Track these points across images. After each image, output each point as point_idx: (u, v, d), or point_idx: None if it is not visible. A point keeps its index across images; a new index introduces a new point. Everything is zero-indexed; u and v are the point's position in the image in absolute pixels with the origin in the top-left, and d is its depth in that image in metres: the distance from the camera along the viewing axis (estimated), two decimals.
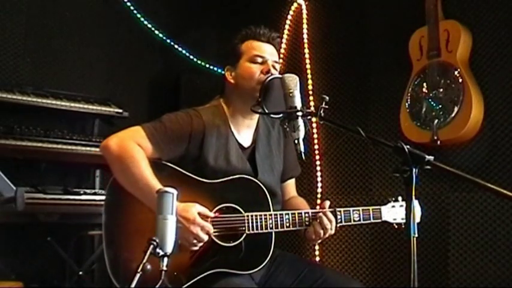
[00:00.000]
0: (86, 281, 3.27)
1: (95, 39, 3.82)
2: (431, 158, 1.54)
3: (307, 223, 2.10)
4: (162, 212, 1.65)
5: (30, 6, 3.53)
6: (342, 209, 2.14)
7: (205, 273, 1.99)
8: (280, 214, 2.08)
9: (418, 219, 1.77)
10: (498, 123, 2.86)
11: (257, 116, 2.24)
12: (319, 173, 3.56)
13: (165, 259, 1.62)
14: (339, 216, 2.13)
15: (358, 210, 2.16)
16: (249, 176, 2.13)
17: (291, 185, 2.43)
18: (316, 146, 3.59)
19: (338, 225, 2.12)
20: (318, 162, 3.58)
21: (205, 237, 1.95)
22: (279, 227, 2.07)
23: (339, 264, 3.47)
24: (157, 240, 1.61)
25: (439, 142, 2.87)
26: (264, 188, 2.11)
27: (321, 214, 2.09)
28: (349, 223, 2.15)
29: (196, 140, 2.11)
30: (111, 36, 3.92)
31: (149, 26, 4.08)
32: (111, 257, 2.01)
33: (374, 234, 3.33)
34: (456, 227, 2.97)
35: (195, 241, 1.94)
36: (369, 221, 2.18)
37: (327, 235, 2.10)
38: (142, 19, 4.05)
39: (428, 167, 1.55)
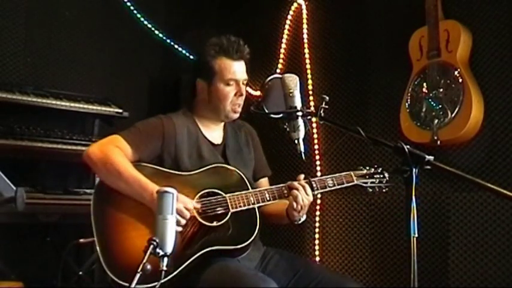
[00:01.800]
0: (86, 281, 3.27)
1: (95, 39, 3.82)
2: (431, 158, 1.55)
3: (286, 194, 2.19)
4: (162, 212, 1.66)
5: (30, 6, 3.53)
6: (315, 178, 2.25)
7: (198, 254, 2.05)
8: (260, 191, 2.20)
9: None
10: (498, 123, 2.86)
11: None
12: (319, 173, 3.56)
13: (165, 259, 1.62)
14: (314, 185, 2.23)
15: (331, 177, 2.28)
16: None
17: (265, 184, 2.51)
18: (316, 146, 3.59)
19: (315, 192, 2.23)
20: (318, 162, 3.58)
21: (188, 214, 2.03)
22: (261, 201, 2.17)
23: (339, 264, 3.47)
24: (157, 240, 1.61)
25: (439, 142, 2.87)
26: (239, 171, 2.23)
27: (294, 183, 2.19)
28: (325, 189, 2.27)
29: (169, 139, 2.24)
30: (111, 36, 3.91)
31: (149, 26, 4.08)
32: (103, 253, 2.03)
33: (374, 234, 3.33)
34: (456, 227, 2.97)
35: (177, 217, 1.97)
36: (342, 185, 2.29)
37: (306, 201, 2.18)
38: (142, 19, 4.05)
39: (428, 167, 1.55)
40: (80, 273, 3.22)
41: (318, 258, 3.52)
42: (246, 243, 2.11)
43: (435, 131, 2.88)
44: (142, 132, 2.24)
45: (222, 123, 2.42)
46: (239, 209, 2.13)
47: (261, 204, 2.17)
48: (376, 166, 2.40)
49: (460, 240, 2.95)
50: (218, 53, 2.29)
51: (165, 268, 1.62)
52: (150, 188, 2.03)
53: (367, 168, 2.39)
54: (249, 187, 2.22)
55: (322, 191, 2.27)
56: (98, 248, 2.04)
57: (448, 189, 3.02)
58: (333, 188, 2.28)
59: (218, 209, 2.13)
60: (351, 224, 3.44)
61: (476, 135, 2.87)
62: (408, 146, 1.56)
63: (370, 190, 2.35)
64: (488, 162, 2.86)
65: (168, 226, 1.64)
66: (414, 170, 1.53)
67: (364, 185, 2.34)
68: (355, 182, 2.32)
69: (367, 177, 2.35)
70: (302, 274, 2.19)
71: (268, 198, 2.18)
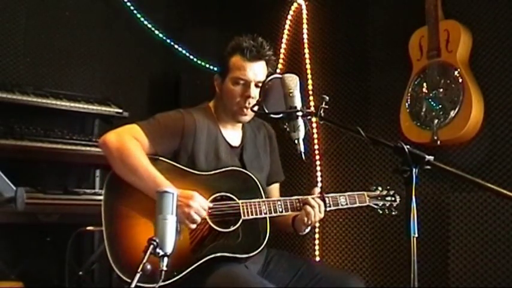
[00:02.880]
0: (86, 281, 3.27)
1: (95, 39, 3.82)
2: (431, 158, 1.54)
3: (298, 208, 2.19)
4: (162, 212, 1.66)
5: (30, 6, 3.53)
6: (330, 195, 2.25)
7: (205, 258, 2.03)
8: (272, 201, 2.18)
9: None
10: (498, 123, 2.86)
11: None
12: (319, 173, 3.56)
13: (165, 259, 1.62)
14: (327, 201, 2.23)
15: (345, 195, 2.29)
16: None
17: (275, 189, 2.49)
18: (316, 146, 3.59)
19: (327, 209, 2.23)
20: (318, 162, 3.58)
21: (204, 213, 2.01)
22: (273, 212, 2.15)
23: (339, 263, 3.47)
24: (157, 240, 1.61)
25: (439, 142, 2.87)
26: (255, 178, 2.20)
27: (309, 199, 2.19)
28: (337, 207, 2.27)
29: (189, 135, 2.19)
30: (111, 36, 3.92)
31: (149, 26, 4.07)
32: (112, 249, 2.01)
33: (374, 234, 3.33)
34: (456, 227, 2.97)
35: (194, 216, 1.98)
36: (355, 205, 2.31)
37: (317, 218, 2.18)
38: (142, 19, 4.04)
39: (428, 167, 1.55)
40: (80, 273, 3.22)
41: (318, 258, 3.52)
42: (254, 253, 2.09)
43: (435, 131, 2.88)
44: (162, 125, 2.18)
45: (240, 124, 2.36)
46: (250, 217, 2.11)
47: (272, 214, 2.15)
48: (389, 188, 2.42)
49: (460, 240, 2.95)
50: (234, 50, 2.25)
51: (165, 268, 1.62)
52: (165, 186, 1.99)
53: (380, 189, 2.40)
54: (263, 195, 2.19)
55: (334, 208, 2.26)
56: (105, 241, 2.01)
57: (448, 189, 3.02)
58: (345, 207, 2.29)
59: (230, 214, 2.10)
60: (351, 224, 3.44)
61: (476, 135, 2.87)
62: (408, 146, 1.56)
63: (380, 212, 2.37)
64: (488, 162, 2.86)
65: (168, 226, 1.64)
66: (414, 170, 1.52)
67: (375, 206, 2.36)
68: (367, 203, 2.34)
69: (379, 198, 2.38)
70: (304, 272, 2.19)
71: (280, 210, 2.16)
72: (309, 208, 2.16)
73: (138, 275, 1.56)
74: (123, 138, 2.10)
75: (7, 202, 2.51)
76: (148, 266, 1.57)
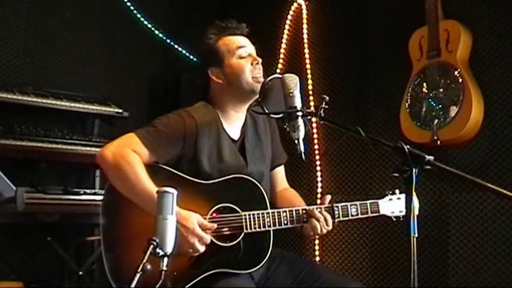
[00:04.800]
0: (86, 281, 3.27)
1: (95, 39, 3.82)
2: (431, 158, 1.54)
3: (304, 220, 2.10)
4: (162, 212, 1.65)
5: (30, 6, 3.53)
6: (339, 204, 2.14)
7: (204, 274, 1.99)
8: (277, 212, 2.09)
9: (416, 212, 1.68)
10: (498, 123, 2.86)
11: (246, 108, 2.28)
12: (319, 173, 3.56)
13: (165, 259, 1.62)
14: (336, 212, 2.13)
15: (356, 204, 2.16)
16: (242, 169, 2.16)
17: (280, 174, 2.43)
18: (316, 146, 3.59)
19: (336, 220, 2.12)
20: (318, 162, 3.58)
21: (202, 249, 1.95)
22: (277, 224, 2.07)
23: (339, 264, 3.47)
24: (157, 240, 1.61)
25: (439, 142, 2.87)
26: (260, 186, 2.12)
27: (315, 211, 2.10)
28: (347, 218, 2.14)
29: (190, 140, 2.12)
30: (111, 36, 3.92)
31: (149, 26, 4.08)
32: (109, 259, 2.00)
33: (374, 234, 3.33)
34: (456, 226, 2.97)
35: (190, 250, 1.94)
36: (366, 215, 2.18)
37: (324, 231, 2.10)
38: (142, 19, 4.05)
39: (428, 167, 1.55)
40: (80, 273, 3.22)
41: (318, 258, 3.52)
42: (254, 269, 2.05)
43: (435, 131, 2.88)
44: (162, 134, 2.09)
45: (245, 114, 2.27)
46: (253, 230, 2.04)
47: (276, 227, 2.07)
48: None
49: (460, 240, 2.95)
50: (219, 34, 2.22)
51: (165, 268, 1.61)
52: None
53: (394, 193, 2.23)
54: (268, 205, 2.11)
55: (343, 219, 2.14)
56: (104, 260, 1.98)
57: (448, 189, 3.02)
58: (356, 217, 2.16)
59: (231, 228, 2.04)
60: (351, 224, 3.44)
61: (476, 135, 2.87)
62: (408, 146, 1.56)
63: (394, 220, 2.23)
64: (488, 162, 2.87)
65: (168, 226, 1.64)
66: (414, 170, 1.52)
67: (391, 214, 2.21)
68: (381, 213, 2.20)
69: (393, 206, 2.22)
70: (305, 275, 2.15)
71: (285, 223, 2.08)
72: (314, 222, 2.08)
73: (138, 275, 1.56)
74: (120, 153, 2.02)
75: (7, 202, 2.52)
76: (148, 266, 1.57)
